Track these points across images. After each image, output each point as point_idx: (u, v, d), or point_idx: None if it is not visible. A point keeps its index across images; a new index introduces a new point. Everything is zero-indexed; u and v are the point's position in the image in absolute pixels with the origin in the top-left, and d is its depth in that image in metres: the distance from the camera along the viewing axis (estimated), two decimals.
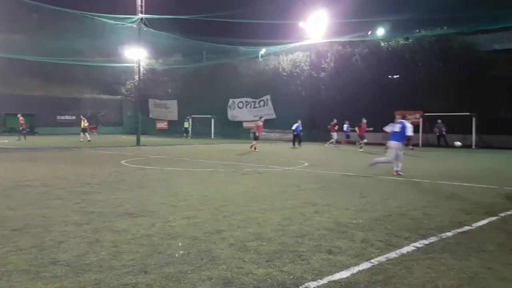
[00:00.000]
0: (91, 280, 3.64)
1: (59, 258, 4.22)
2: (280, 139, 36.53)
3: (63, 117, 45.73)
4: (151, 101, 48.76)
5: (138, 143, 26.27)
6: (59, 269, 3.89)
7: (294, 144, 26.48)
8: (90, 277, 3.69)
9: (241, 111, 41.56)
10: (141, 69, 32.25)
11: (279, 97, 37.69)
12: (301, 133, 26.78)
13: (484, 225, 5.93)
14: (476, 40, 29.50)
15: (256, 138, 22.81)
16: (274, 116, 38.77)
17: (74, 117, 46.80)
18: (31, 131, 42.42)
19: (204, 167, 13.39)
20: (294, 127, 26.51)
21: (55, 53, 38.71)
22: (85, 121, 30.52)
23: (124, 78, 51.47)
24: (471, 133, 26.29)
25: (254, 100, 40.29)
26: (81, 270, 3.88)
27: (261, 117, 24.16)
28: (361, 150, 22.78)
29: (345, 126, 28.06)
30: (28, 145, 24.32)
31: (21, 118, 30.97)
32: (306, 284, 3.62)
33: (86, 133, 29.88)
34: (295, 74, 37.63)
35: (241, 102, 41.47)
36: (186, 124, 40.39)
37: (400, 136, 11.66)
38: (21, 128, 31.01)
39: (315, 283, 3.64)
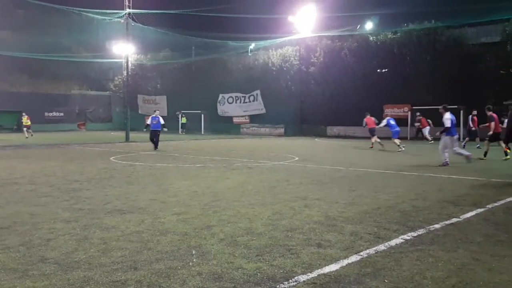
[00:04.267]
0: (80, 277, 3.61)
1: (48, 255, 4.18)
2: (270, 134, 36.57)
3: (51, 114, 45.12)
4: (140, 97, 48.40)
5: (127, 139, 26.14)
6: (48, 267, 3.85)
7: (155, 145, 18.61)
8: (79, 275, 3.67)
9: (231, 106, 41.47)
10: (130, 64, 32.02)
11: (268, 92, 37.66)
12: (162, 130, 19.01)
13: (471, 216, 6.00)
14: (463, 34, 29.86)
15: (420, 134, 18.72)
16: (264, 111, 38.76)
17: (62, 114, 46.31)
18: (18, 129, 41.91)
19: (194, 163, 13.36)
20: (149, 121, 19.00)
21: (42, 49, 38.27)
22: (28, 118, 29.85)
23: (113, 73, 51.10)
24: (459, 126, 26.49)
25: (244, 95, 40.20)
26: (70, 267, 3.85)
27: (418, 113, 18.16)
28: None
29: None
30: (16, 142, 24.01)
31: None
32: (296, 277, 3.64)
33: (29, 130, 29.18)
34: (284, 68, 37.58)
35: (231, 97, 41.36)
36: (184, 120, 40.20)
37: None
38: None
39: (305, 277, 3.65)
